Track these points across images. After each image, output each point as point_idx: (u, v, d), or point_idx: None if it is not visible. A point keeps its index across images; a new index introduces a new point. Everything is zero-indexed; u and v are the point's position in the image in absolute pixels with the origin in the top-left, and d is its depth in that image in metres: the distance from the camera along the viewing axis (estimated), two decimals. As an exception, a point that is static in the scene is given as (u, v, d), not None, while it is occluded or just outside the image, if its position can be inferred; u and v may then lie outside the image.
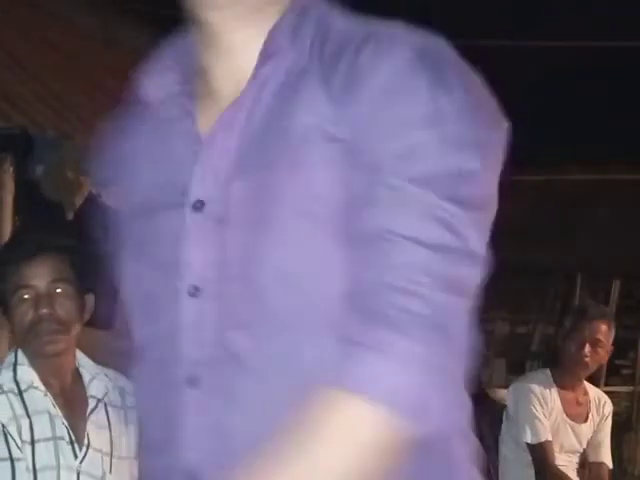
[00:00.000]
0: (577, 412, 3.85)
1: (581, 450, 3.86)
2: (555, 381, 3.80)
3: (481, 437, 1.19)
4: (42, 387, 2.11)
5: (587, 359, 3.76)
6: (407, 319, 0.92)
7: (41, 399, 2.10)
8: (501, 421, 3.87)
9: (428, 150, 0.96)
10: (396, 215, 0.95)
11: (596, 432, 3.87)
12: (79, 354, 2.22)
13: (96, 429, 2.16)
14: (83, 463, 2.12)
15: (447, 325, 0.95)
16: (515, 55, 6.26)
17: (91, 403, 2.17)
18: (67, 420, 2.11)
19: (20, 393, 2.09)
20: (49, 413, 2.09)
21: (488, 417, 3.85)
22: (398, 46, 0.99)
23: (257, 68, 1.06)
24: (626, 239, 7.74)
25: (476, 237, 0.98)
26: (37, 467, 2.05)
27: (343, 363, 0.93)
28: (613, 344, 3.87)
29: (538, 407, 3.69)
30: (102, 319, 2.20)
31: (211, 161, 1.06)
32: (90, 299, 2.21)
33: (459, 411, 1.04)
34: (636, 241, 7.65)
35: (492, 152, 1.02)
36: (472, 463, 1.08)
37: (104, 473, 2.14)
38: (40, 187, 5.64)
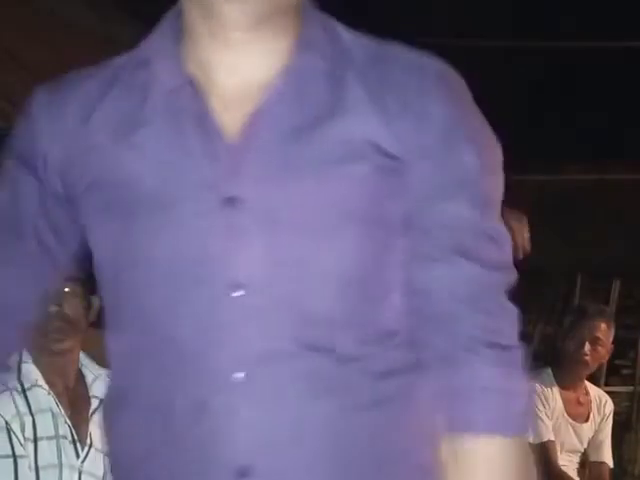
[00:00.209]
0: (578, 412, 3.85)
1: (582, 450, 3.86)
2: (556, 381, 3.80)
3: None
4: (46, 386, 2.11)
5: (587, 358, 3.76)
6: (500, 353, 1.04)
7: (44, 397, 2.10)
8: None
9: (474, 191, 1.06)
10: (461, 237, 1.05)
11: (597, 432, 3.88)
12: (82, 355, 2.23)
13: (98, 429, 2.16)
14: (85, 462, 2.12)
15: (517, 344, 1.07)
16: (515, 55, 6.26)
17: (94, 403, 2.18)
18: (70, 419, 2.12)
19: (24, 391, 2.09)
20: (52, 412, 2.10)
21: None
22: (443, 80, 1.08)
23: (294, 59, 1.05)
24: (626, 239, 7.74)
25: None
26: (39, 465, 2.05)
27: (463, 407, 1.02)
28: (613, 344, 3.87)
29: (540, 407, 3.69)
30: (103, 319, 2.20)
31: (250, 157, 1.02)
32: (96, 300, 2.21)
33: None
34: (636, 241, 7.65)
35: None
36: None
37: (105, 473, 2.15)
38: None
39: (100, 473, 2.14)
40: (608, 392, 4.31)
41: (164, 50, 1.08)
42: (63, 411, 2.11)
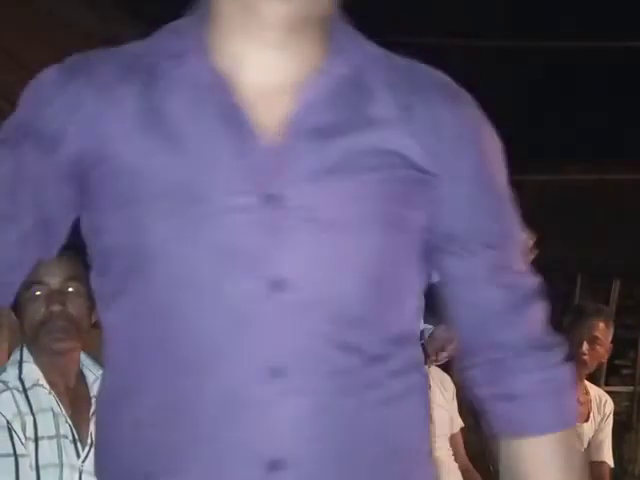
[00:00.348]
0: (578, 411, 3.84)
1: (582, 449, 3.86)
2: (555, 380, 3.80)
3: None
4: (47, 385, 2.11)
5: (585, 357, 3.77)
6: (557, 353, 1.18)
7: (45, 397, 2.10)
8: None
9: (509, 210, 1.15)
10: (503, 255, 1.15)
11: (597, 431, 3.88)
12: (83, 355, 2.23)
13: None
14: (86, 462, 2.12)
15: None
16: (515, 55, 6.26)
17: (94, 403, 2.18)
18: (71, 419, 2.12)
19: (25, 390, 2.10)
20: (53, 411, 2.10)
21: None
22: (470, 102, 1.14)
23: (326, 65, 1.06)
24: (626, 239, 7.74)
25: None
26: (40, 464, 2.05)
27: (524, 411, 1.14)
28: (613, 344, 3.87)
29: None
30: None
31: (290, 156, 1.03)
32: None
33: None
34: (636, 241, 7.65)
35: None
36: None
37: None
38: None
39: (100, 473, 2.15)
40: (608, 392, 4.31)
41: (194, 43, 1.07)
42: (64, 411, 2.11)
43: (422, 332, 3.22)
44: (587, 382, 3.95)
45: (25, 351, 2.16)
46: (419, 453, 1.11)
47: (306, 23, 1.06)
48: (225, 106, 1.04)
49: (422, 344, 2.21)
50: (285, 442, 1.00)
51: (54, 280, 2.14)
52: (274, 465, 1.00)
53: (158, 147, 1.03)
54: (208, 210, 1.01)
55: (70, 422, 2.11)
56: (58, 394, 2.12)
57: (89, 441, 2.14)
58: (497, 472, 1.18)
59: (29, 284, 2.13)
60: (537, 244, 2.82)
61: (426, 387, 1.13)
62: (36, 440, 2.06)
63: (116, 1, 7.35)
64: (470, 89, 1.16)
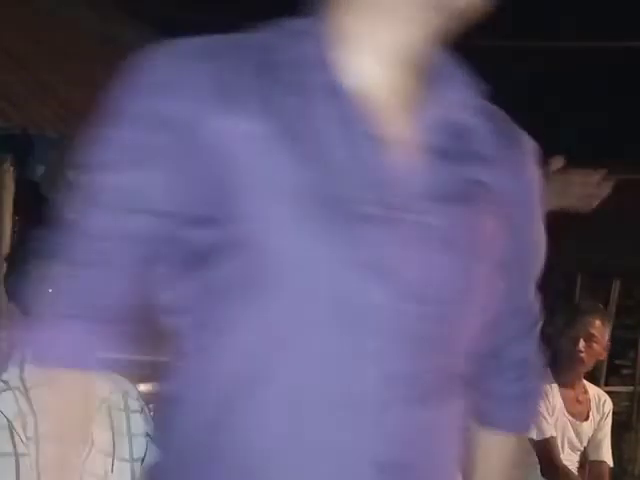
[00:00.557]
0: (578, 410, 3.85)
1: (582, 448, 3.86)
2: (554, 379, 3.80)
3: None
4: (48, 385, 2.12)
5: (582, 355, 3.77)
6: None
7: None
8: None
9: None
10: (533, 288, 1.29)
11: (597, 430, 3.88)
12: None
13: (99, 429, 2.17)
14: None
15: None
16: (515, 55, 6.27)
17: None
18: (70, 419, 2.12)
19: (26, 390, 2.10)
20: (53, 411, 2.10)
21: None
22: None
23: (439, 92, 1.09)
24: (626, 239, 7.74)
25: None
26: (41, 464, 2.05)
27: (525, 413, 1.31)
28: (613, 344, 3.88)
29: (541, 404, 3.70)
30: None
31: (418, 179, 1.05)
32: None
33: None
34: (636, 241, 7.65)
35: None
36: None
37: (106, 473, 2.15)
38: (40, 187, 5.64)
39: (100, 473, 2.15)
40: (608, 392, 4.32)
41: (318, 52, 1.06)
42: (64, 411, 2.12)
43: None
44: (586, 382, 3.96)
45: (26, 351, 2.16)
46: (461, 456, 1.20)
47: (431, 45, 1.09)
48: (353, 120, 1.04)
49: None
50: (394, 446, 1.05)
51: None
52: (383, 467, 1.05)
53: (300, 160, 1.01)
54: (339, 217, 1.01)
55: (70, 422, 2.12)
56: (58, 394, 2.13)
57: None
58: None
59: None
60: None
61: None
62: (37, 440, 2.07)
63: (116, 1, 7.36)
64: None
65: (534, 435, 3.63)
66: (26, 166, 5.53)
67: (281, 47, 1.05)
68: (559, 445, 3.76)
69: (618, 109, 6.89)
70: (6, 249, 5.03)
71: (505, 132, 1.15)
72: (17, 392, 2.10)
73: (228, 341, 1.03)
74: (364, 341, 1.01)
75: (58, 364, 1.10)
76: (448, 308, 1.06)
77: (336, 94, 1.04)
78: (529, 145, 1.19)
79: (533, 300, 1.28)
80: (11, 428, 2.04)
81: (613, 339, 3.89)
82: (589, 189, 2.62)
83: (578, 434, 3.83)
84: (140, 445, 2.24)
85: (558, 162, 2.41)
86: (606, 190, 2.57)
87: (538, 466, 3.68)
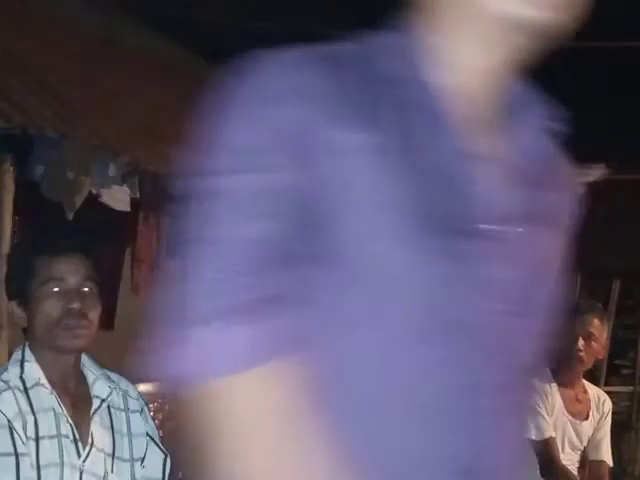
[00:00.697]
0: (577, 410, 3.86)
1: (582, 448, 3.87)
2: (554, 378, 3.81)
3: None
4: (48, 385, 2.12)
5: (582, 354, 3.78)
6: None
7: (47, 397, 2.11)
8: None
9: None
10: None
11: (596, 430, 3.88)
12: (83, 355, 2.24)
13: (99, 429, 2.17)
14: (86, 462, 2.12)
15: None
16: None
17: (95, 403, 2.18)
18: (72, 419, 2.12)
19: (26, 390, 2.10)
20: (54, 411, 2.10)
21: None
22: None
23: (519, 109, 1.12)
24: (626, 239, 7.74)
25: None
26: (41, 464, 2.05)
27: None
28: (613, 344, 3.88)
29: (540, 404, 3.70)
30: (102, 320, 2.23)
31: (508, 192, 1.09)
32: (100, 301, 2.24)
33: None
34: (636, 241, 7.66)
35: None
36: None
37: (106, 473, 2.15)
38: (40, 187, 5.64)
39: (101, 472, 2.15)
40: (608, 392, 4.32)
41: (419, 72, 1.07)
42: (65, 411, 2.12)
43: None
44: (586, 382, 3.96)
45: (27, 350, 2.16)
46: None
47: (515, 69, 1.11)
48: (450, 137, 1.06)
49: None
50: (480, 451, 1.08)
51: (73, 279, 2.15)
52: (469, 471, 1.08)
53: (395, 168, 1.02)
54: (439, 231, 1.03)
55: (71, 422, 2.12)
56: (59, 394, 2.13)
57: (90, 440, 2.14)
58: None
59: (46, 280, 2.14)
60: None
61: None
62: (37, 439, 2.07)
63: (116, 1, 7.36)
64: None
65: (533, 435, 3.64)
66: (26, 166, 5.53)
67: (380, 62, 1.06)
68: (559, 444, 3.77)
69: (618, 109, 6.90)
70: (6, 249, 5.03)
71: (561, 156, 1.20)
72: (17, 391, 2.10)
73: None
74: (458, 351, 1.05)
75: (236, 368, 0.96)
76: (532, 320, 1.12)
77: (433, 111, 1.05)
78: (571, 167, 1.24)
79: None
80: (11, 428, 2.05)
81: (613, 339, 3.90)
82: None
83: (578, 433, 3.84)
84: (140, 445, 2.24)
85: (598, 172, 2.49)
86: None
87: (537, 466, 3.69)
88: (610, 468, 3.97)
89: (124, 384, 2.25)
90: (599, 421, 3.90)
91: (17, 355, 2.17)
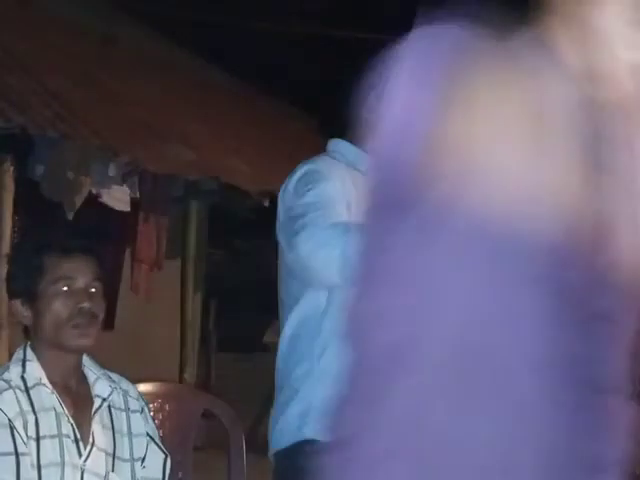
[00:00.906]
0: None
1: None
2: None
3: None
4: (49, 385, 2.12)
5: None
6: None
7: (48, 396, 2.11)
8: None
9: None
10: None
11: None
12: (84, 355, 2.24)
13: (100, 429, 2.17)
14: (87, 461, 2.12)
15: None
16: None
17: (96, 402, 2.18)
18: (73, 419, 2.12)
19: (27, 389, 2.10)
20: (55, 410, 2.10)
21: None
22: None
23: None
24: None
25: None
26: (42, 463, 2.05)
27: None
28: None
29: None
30: (102, 320, 2.23)
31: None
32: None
33: None
34: (636, 241, 7.62)
35: None
36: None
37: (107, 472, 2.15)
38: (40, 187, 5.64)
39: (102, 472, 2.15)
40: None
41: (558, 70, 1.09)
42: (66, 410, 2.12)
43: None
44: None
45: (29, 350, 2.16)
46: None
47: None
48: (610, 132, 1.10)
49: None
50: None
51: (82, 278, 2.15)
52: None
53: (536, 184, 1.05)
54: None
55: (72, 421, 2.12)
56: (60, 393, 2.13)
57: (90, 440, 2.14)
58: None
59: (56, 279, 2.14)
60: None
61: None
62: (38, 439, 2.07)
63: (116, 1, 7.36)
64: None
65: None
66: (26, 166, 5.54)
67: (532, 58, 1.09)
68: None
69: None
70: (6, 249, 5.03)
71: None
72: (18, 391, 2.10)
73: None
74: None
75: None
76: None
77: (591, 106, 1.07)
78: None
79: None
80: (12, 427, 2.04)
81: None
82: None
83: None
84: (140, 445, 2.24)
85: None
86: None
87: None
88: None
89: (124, 384, 2.25)
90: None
91: (19, 354, 2.17)
